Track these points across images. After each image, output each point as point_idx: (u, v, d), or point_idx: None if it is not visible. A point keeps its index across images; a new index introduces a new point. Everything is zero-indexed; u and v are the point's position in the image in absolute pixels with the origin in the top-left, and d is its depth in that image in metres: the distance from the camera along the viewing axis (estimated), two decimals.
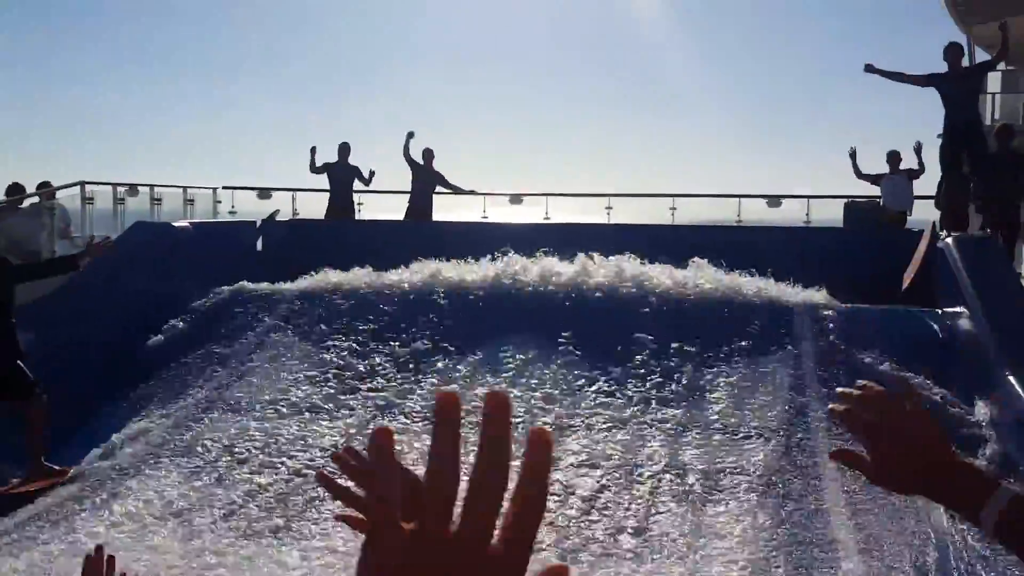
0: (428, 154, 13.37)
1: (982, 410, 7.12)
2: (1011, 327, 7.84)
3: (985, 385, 7.37)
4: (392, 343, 8.87)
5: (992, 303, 8.18)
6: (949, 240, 9.33)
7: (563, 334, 8.74)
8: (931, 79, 10.11)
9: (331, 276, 10.19)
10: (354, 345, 8.89)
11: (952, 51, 10.15)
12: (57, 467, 6.84)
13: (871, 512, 6.02)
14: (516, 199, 16.59)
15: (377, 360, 8.62)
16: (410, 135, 13.25)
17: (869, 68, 10.35)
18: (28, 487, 6.58)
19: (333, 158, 13.31)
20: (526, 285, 9.68)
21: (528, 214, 15.59)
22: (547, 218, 15.17)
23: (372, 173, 13.51)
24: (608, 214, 14.70)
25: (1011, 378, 7.14)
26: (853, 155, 12.00)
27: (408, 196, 13.48)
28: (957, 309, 8.45)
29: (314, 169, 13.26)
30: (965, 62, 11.04)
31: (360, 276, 10.11)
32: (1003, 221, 10.05)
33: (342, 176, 13.32)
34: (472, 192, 14.34)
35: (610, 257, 9.94)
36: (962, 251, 9.00)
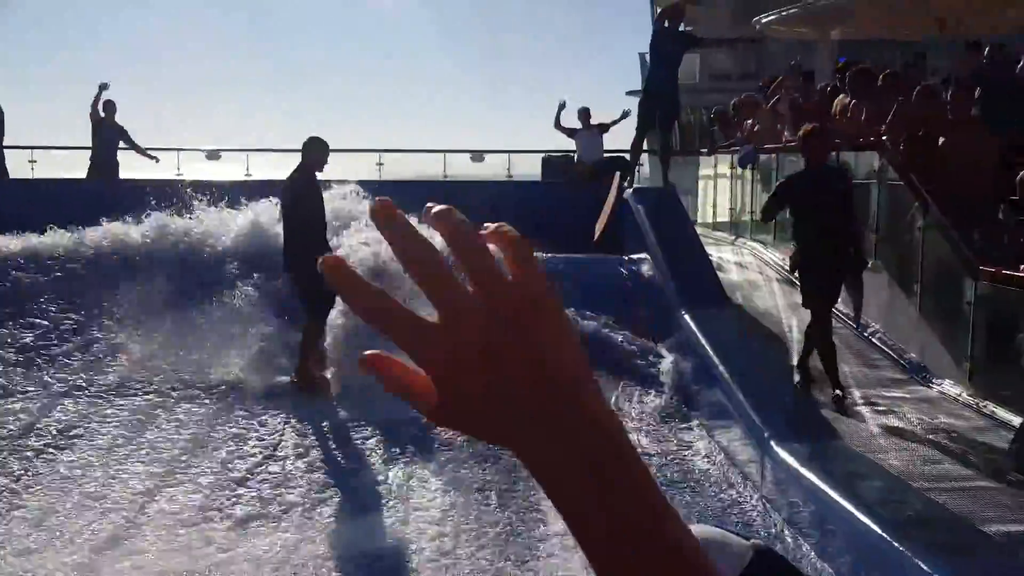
0: (110, 107, 12.34)
1: (664, 351, 7.72)
2: (686, 271, 8.55)
3: (666, 326, 7.99)
4: None
5: (670, 249, 8.87)
6: (632, 191, 9.99)
7: None
8: (653, 41, 10.18)
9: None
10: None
11: (665, 14, 10.32)
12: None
13: None
14: (214, 155, 15.72)
15: None
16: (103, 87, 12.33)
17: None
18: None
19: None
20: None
21: (227, 171, 14.84)
22: (248, 175, 14.50)
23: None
24: None
25: (687, 318, 7.79)
26: (562, 106, 12.47)
27: (90, 152, 12.48)
28: (641, 256, 9.08)
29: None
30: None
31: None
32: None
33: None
34: (155, 159, 13.19)
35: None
36: (643, 201, 9.68)
